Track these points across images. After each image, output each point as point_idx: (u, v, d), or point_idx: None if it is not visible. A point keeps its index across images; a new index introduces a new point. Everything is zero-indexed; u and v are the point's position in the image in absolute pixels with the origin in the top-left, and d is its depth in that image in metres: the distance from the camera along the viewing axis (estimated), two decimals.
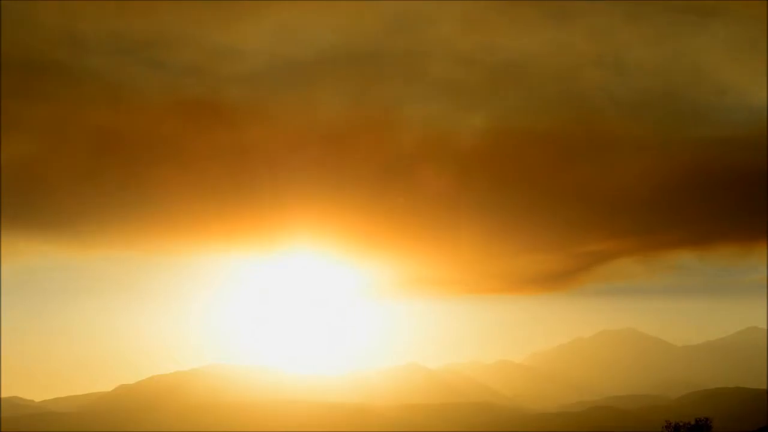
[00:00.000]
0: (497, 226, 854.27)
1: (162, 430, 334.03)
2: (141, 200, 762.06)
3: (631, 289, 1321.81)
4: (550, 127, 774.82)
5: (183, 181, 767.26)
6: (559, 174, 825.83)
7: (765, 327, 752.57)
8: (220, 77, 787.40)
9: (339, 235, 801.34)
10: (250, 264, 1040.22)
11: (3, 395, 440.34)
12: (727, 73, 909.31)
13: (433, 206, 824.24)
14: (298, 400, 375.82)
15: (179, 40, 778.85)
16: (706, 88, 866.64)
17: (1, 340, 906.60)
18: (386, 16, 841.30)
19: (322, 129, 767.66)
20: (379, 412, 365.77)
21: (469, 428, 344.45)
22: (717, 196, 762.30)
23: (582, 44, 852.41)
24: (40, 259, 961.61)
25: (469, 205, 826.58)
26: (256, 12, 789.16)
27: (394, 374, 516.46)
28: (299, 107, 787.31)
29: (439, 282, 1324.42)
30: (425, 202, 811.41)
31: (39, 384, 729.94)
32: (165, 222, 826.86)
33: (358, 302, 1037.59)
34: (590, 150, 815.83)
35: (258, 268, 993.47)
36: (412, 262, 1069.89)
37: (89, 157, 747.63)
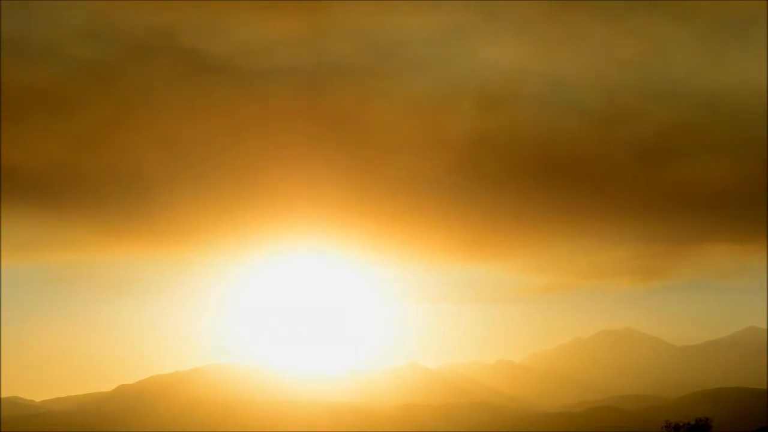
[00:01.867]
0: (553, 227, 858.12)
1: (162, 430, 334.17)
2: (142, 202, 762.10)
3: (631, 290, 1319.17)
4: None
5: (182, 181, 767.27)
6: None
7: (765, 327, 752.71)
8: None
9: (341, 236, 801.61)
10: (250, 264, 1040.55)
11: (3, 395, 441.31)
12: None
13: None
14: (298, 400, 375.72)
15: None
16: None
17: (1, 340, 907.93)
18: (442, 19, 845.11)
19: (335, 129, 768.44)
20: (380, 412, 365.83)
21: (469, 428, 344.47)
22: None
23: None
24: (39, 259, 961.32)
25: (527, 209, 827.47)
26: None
27: (395, 374, 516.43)
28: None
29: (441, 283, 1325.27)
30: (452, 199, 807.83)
31: (39, 384, 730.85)
32: (165, 223, 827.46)
33: (359, 302, 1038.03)
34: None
35: (258, 268, 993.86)
36: (412, 263, 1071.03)
37: (81, 158, 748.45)
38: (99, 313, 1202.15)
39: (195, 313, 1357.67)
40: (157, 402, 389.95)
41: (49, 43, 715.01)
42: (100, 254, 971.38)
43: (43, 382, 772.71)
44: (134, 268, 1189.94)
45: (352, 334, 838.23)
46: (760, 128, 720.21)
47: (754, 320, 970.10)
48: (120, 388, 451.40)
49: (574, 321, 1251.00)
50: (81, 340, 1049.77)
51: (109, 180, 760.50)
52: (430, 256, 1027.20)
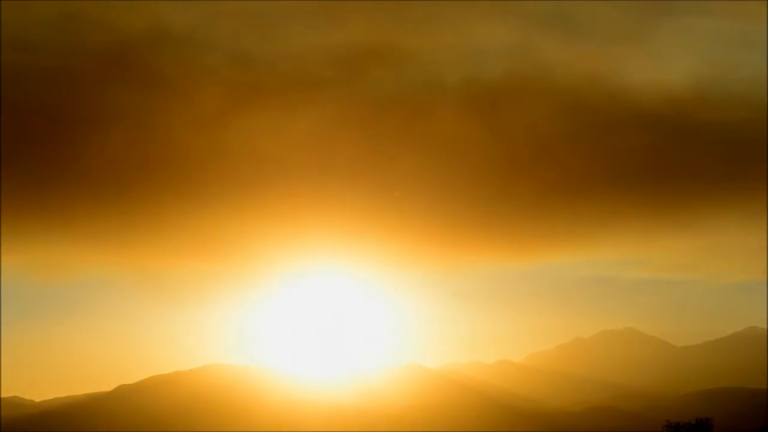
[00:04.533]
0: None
1: (162, 430, 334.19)
2: (143, 204, 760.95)
3: (632, 289, 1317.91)
4: None
5: (183, 183, 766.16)
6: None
7: (765, 327, 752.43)
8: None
9: (340, 236, 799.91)
10: (248, 264, 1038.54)
11: (3, 395, 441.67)
12: None
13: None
14: (298, 400, 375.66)
15: None
16: None
17: (1, 340, 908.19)
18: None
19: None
20: (380, 412, 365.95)
21: (469, 428, 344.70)
22: None
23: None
24: (39, 259, 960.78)
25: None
26: None
27: (394, 374, 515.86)
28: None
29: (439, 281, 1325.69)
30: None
31: (39, 384, 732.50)
32: (165, 224, 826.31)
33: (358, 302, 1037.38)
34: None
35: (256, 268, 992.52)
36: (412, 262, 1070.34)
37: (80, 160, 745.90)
38: (99, 313, 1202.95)
39: (195, 313, 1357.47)
40: (156, 402, 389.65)
41: None
42: (100, 257, 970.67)
43: (43, 382, 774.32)
44: (133, 269, 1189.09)
45: (352, 334, 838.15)
46: None
47: (754, 320, 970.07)
48: (120, 388, 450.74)
49: (574, 321, 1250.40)
50: (81, 340, 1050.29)
51: (108, 183, 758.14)
52: (430, 256, 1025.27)
